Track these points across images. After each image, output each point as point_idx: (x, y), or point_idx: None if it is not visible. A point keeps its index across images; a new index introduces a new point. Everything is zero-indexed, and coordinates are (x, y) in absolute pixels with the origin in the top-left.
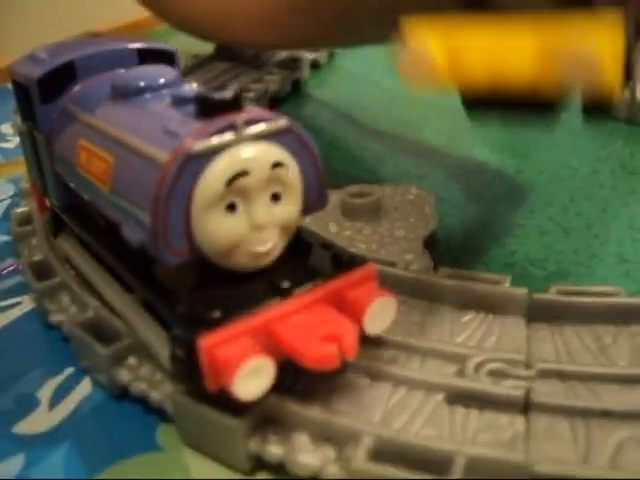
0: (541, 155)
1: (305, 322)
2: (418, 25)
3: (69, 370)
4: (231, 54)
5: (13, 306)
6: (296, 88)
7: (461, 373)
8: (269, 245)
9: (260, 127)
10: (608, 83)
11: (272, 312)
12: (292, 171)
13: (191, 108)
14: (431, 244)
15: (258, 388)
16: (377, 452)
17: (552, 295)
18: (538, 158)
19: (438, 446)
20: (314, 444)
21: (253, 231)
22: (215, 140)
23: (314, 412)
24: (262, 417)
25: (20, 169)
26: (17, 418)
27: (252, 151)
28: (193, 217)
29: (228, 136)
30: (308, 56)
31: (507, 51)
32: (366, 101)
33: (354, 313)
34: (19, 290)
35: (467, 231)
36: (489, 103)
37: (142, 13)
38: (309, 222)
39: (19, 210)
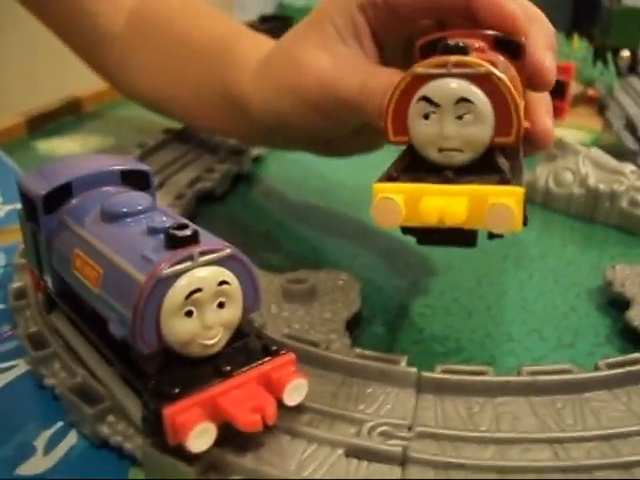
0: None
1: (240, 396)
2: (385, 185)
3: (59, 424)
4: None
5: (10, 368)
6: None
7: (358, 433)
8: (216, 339)
9: (211, 256)
10: (517, 225)
11: (216, 389)
12: (234, 286)
13: (161, 238)
14: (354, 324)
15: (205, 443)
16: None
17: (437, 373)
18: None
19: None
20: None
21: (204, 330)
22: (178, 267)
23: (246, 461)
24: (208, 464)
25: (10, 238)
26: (18, 462)
27: (204, 273)
28: (161, 320)
29: (187, 263)
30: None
31: (449, 203)
32: (313, 186)
33: (276, 390)
34: (15, 354)
35: (386, 311)
36: (424, 233)
37: None
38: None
39: (15, 285)
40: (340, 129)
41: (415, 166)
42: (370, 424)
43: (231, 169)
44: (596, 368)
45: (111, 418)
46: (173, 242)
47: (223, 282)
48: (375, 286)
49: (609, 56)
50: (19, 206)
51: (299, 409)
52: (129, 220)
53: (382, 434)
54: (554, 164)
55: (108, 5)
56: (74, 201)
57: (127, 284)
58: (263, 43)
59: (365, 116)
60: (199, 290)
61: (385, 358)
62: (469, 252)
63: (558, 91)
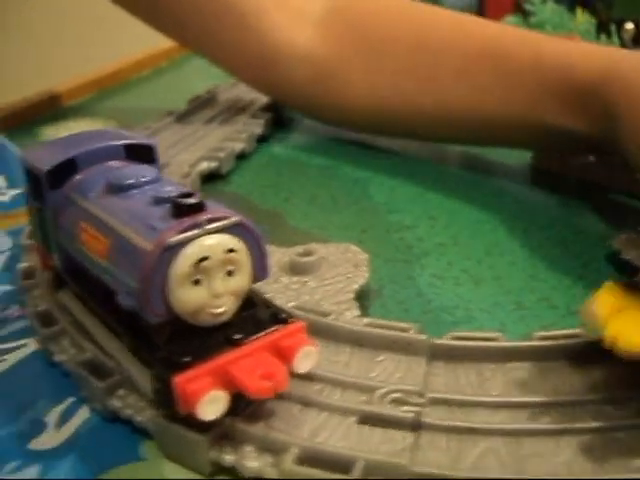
0: (469, 211)
1: (250, 364)
2: (603, 292)
3: (70, 399)
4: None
5: (20, 347)
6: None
7: (371, 401)
8: (225, 308)
9: (218, 223)
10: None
11: (227, 357)
12: (242, 254)
13: (167, 207)
14: (363, 296)
15: (216, 412)
16: (302, 459)
17: (447, 340)
18: (465, 214)
19: (345, 453)
20: (257, 453)
21: (213, 298)
22: (185, 235)
23: (257, 429)
24: (220, 433)
25: (15, 222)
26: (31, 437)
27: (212, 241)
28: (169, 289)
29: (194, 231)
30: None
31: None
32: (319, 159)
33: (287, 358)
34: (24, 333)
35: (395, 283)
36: None
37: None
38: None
39: (23, 265)
40: None
41: None
42: (382, 391)
43: (234, 148)
44: None
45: (121, 392)
46: (179, 210)
47: (231, 250)
48: (383, 258)
49: (613, 29)
50: (23, 190)
51: (310, 378)
52: (135, 192)
53: (394, 401)
54: None
55: (289, 20)
56: (79, 176)
57: (134, 254)
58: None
59: None
60: (206, 258)
61: (395, 326)
62: (478, 223)
63: None
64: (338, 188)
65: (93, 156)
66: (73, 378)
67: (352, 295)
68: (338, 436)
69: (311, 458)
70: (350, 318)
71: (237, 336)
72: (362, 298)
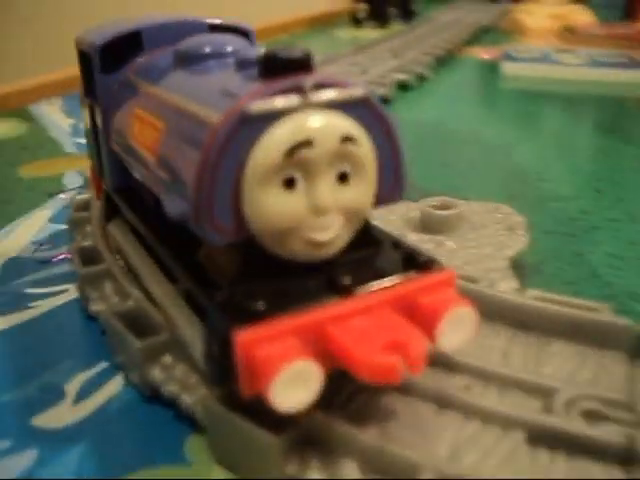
0: None
1: (365, 327)
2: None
3: (102, 365)
4: None
5: (58, 294)
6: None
7: (548, 409)
8: (331, 233)
9: (331, 93)
10: None
11: (327, 311)
12: (365, 149)
13: (255, 71)
14: (519, 267)
15: (301, 399)
16: None
17: None
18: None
19: None
20: (363, 474)
21: (313, 214)
22: (277, 102)
23: (367, 437)
24: (304, 436)
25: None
26: (38, 409)
27: (319, 120)
28: (244, 189)
29: (293, 100)
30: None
31: None
32: (454, 124)
33: (425, 322)
34: (67, 278)
35: (558, 258)
36: None
37: None
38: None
39: (79, 197)
40: None
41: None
42: (565, 396)
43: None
44: None
45: (167, 359)
46: (273, 67)
47: (348, 138)
48: (540, 229)
49: None
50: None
51: (452, 367)
52: (212, 63)
53: (587, 414)
54: None
55: None
56: (144, 58)
57: (194, 134)
58: None
59: None
60: (309, 144)
61: (579, 304)
62: None
63: None
64: (477, 153)
65: (166, 33)
66: (107, 336)
67: (506, 262)
68: (497, 461)
69: None
70: (507, 289)
71: (346, 281)
72: (517, 271)
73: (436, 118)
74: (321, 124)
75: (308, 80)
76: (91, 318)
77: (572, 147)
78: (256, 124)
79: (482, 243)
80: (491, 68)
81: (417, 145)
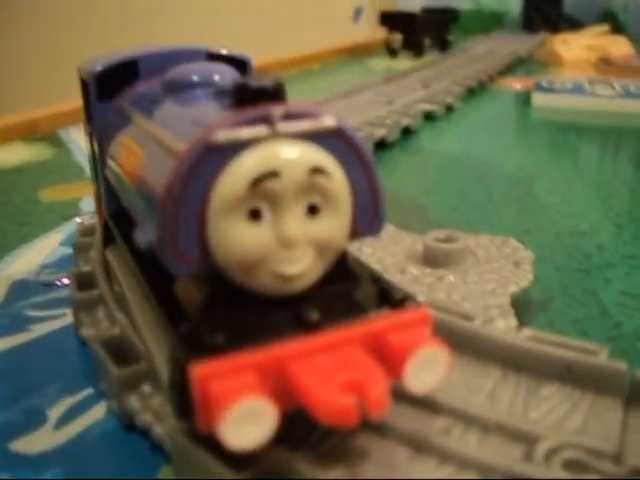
0: None
1: (328, 365)
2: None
3: (89, 391)
4: None
5: (56, 317)
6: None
7: (528, 458)
8: (301, 267)
9: (301, 124)
10: None
11: (290, 347)
12: (336, 180)
13: (229, 98)
14: (522, 305)
15: (254, 438)
16: None
17: None
18: None
19: None
20: None
21: (281, 247)
22: (244, 132)
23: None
24: (267, 474)
25: None
26: (18, 433)
27: (286, 150)
28: (209, 220)
29: (260, 130)
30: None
31: None
32: (478, 155)
33: (393, 361)
34: (68, 302)
35: (568, 296)
36: None
37: None
38: (379, 264)
39: (87, 222)
40: None
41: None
42: (548, 444)
43: (374, 134)
44: None
45: (147, 388)
46: (243, 97)
47: (317, 169)
48: (552, 265)
49: None
50: None
51: (431, 406)
52: (198, 92)
53: (568, 464)
54: None
55: None
56: (140, 86)
57: (165, 164)
58: None
59: None
60: (275, 175)
61: (575, 346)
62: None
63: None
64: (497, 185)
65: (163, 61)
66: (94, 362)
67: (508, 299)
68: None
69: None
70: (504, 327)
71: (314, 316)
72: (521, 308)
73: (460, 149)
74: (288, 155)
75: (277, 110)
76: (85, 343)
77: (598, 181)
78: (222, 154)
79: (485, 278)
80: (522, 99)
81: (437, 176)
